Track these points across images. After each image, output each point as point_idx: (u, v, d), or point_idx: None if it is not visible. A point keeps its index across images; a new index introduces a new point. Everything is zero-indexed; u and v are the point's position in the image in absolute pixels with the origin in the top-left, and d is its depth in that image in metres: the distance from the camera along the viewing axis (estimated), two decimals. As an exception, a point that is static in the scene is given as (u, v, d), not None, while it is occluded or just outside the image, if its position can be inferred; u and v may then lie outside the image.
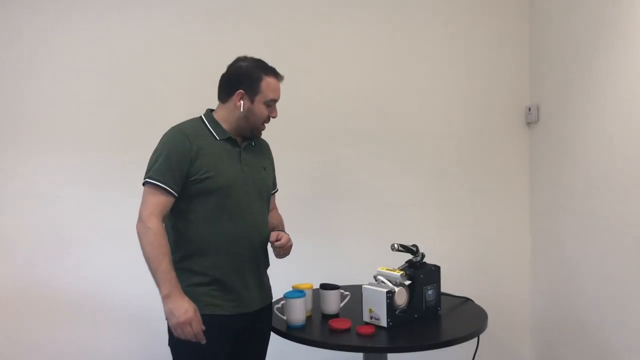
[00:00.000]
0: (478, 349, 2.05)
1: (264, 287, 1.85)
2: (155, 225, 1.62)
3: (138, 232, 1.64)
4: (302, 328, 1.85)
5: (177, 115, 2.59)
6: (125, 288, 2.58)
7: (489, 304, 2.21)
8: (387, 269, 1.94)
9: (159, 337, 2.57)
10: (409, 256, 2.02)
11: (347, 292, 2.07)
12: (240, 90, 1.76)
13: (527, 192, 2.88)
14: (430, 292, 1.98)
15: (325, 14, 2.72)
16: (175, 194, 1.68)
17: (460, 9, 2.80)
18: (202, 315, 1.64)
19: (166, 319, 1.65)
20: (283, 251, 1.81)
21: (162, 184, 1.66)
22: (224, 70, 2.60)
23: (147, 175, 1.69)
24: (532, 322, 2.88)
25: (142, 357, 2.59)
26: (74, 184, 2.56)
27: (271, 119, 1.83)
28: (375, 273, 1.95)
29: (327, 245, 2.71)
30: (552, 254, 2.69)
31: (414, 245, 2.02)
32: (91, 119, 2.57)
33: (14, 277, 2.52)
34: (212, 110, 1.85)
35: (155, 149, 1.74)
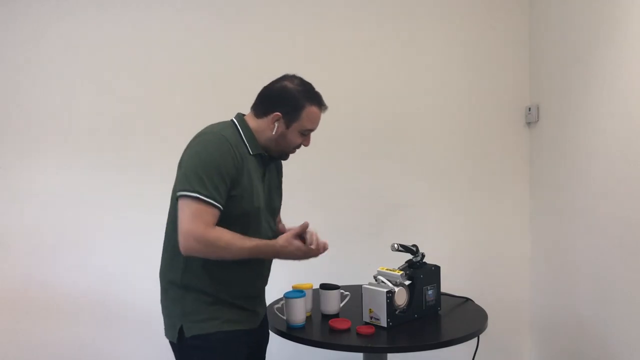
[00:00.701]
0: (478, 349, 2.05)
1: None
2: (215, 231, 1.49)
3: (198, 251, 1.49)
4: (302, 328, 1.85)
5: (177, 115, 2.61)
6: (125, 288, 2.59)
7: (489, 304, 2.21)
8: (387, 269, 1.94)
9: (159, 337, 2.58)
10: (409, 256, 2.02)
11: (347, 292, 2.07)
12: (278, 113, 1.62)
13: (527, 192, 2.88)
14: (430, 292, 1.98)
15: (326, 15, 2.72)
16: (222, 209, 1.52)
17: (461, 10, 2.80)
18: (221, 332, 1.57)
19: (296, 258, 1.63)
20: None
21: (211, 199, 1.48)
22: (224, 70, 2.64)
23: (192, 188, 1.48)
24: (532, 322, 2.88)
25: (142, 357, 2.59)
26: (74, 184, 2.56)
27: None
28: (375, 273, 1.95)
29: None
30: (552, 254, 2.69)
31: (414, 245, 2.01)
32: (91, 119, 2.57)
33: (14, 277, 2.52)
34: (243, 115, 1.69)
35: (196, 155, 1.53)
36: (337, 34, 2.72)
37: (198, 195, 1.47)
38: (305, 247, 1.61)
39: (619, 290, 2.21)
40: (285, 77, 1.68)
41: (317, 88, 2.68)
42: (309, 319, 1.94)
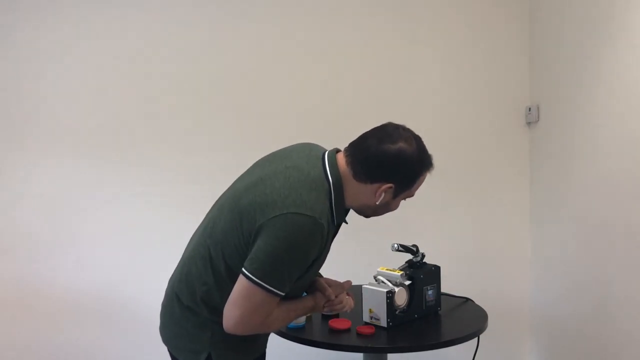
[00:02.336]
0: (478, 349, 2.05)
1: None
2: (271, 317, 1.36)
3: (241, 332, 1.36)
4: (302, 328, 1.85)
5: (178, 115, 2.61)
6: (126, 288, 2.59)
7: (489, 304, 2.20)
8: (387, 269, 1.94)
9: (159, 338, 2.58)
10: (409, 256, 2.02)
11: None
12: (391, 185, 1.37)
13: (527, 192, 2.88)
14: (430, 292, 1.98)
15: (327, 15, 2.71)
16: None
17: (461, 10, 2.80)
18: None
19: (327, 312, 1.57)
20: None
21: (283, 292, 1.33)
22: (224, 70, 2.64)
23: (269, 282, 1.30)
24: (532, 322, 2.88)
25: (142, 357, 2.59)
26: (74, 184, 2.56)
27: None
28: (375, 273, 1.95)
29: (327, 245, 2.71)
30: (552, 254, 2.69)
31: (414, 245, 2.01)
32: (91, 119, 2.57)
33: (14, 277, 2.52)
34: (338, 169, 1.39)
35: (286, 245, 1.29)
36: (337, 35, 2.72)
37: (270, 289, 1.30)
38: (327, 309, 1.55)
39: (619, 291, 2.20)
40: (399, 135, 1.37)
41: (318, 88, 2.71)
42: (309, 319, 1.94)
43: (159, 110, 2.61)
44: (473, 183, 2.84)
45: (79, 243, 2.56)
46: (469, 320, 1.99)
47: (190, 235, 1.59)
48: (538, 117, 2.77)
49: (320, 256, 1.39)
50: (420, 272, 1.96)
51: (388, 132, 1.38)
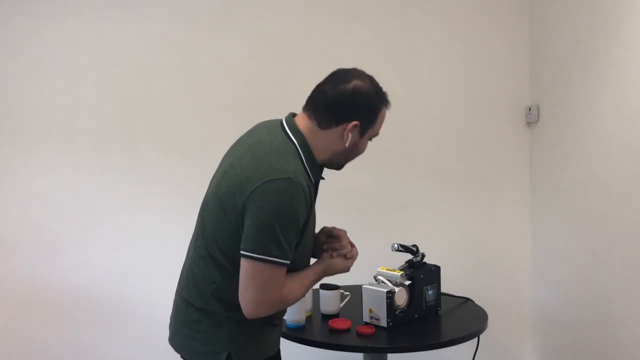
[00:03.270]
0: (478, 349, 2.05)
1: None
2: (286, 289, 1.36)
3: (269, 313, 1.38)
4: (302, 328, 1.85)
5: (179, 115, 2.61)
6: (126, 288, 2.58)
7: (489, 304, 2.20)
8: (387, 269, 1.94)
9: (159, 338, 2.58)
10: (409, 256, 2.02)
11: (347, 292, 2.07)
12: (356, 122, 1.39)
13: (527, 192, 2.88)
14: (430, 292, 1.98)
15: (327, 15, 2.71)
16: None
17: (460, 9, 2.80)
18: (270, 358, 1.49)
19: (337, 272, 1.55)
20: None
21: (286, 260, 1.33)
22: (224, 70, 2.64)
23: (270, 252, 1.30)
24: (532, 322, 2.88)
25: (143, 357, 2.59)
26: (74, 184, 2.56)
27: None
28: (375, 273, 1.95)
29: (327, 245, 2.71)
30: (552, 254, 2.69)
31: (414, 245, 2.01)
32: (91, 119, 2.57)
33: (14, 277, 2.52)
34: (299, 129, 1.41)
35: (273, 211, 1.29)
36: (337, 35, 2.72)
37: (274, 260, 1.30)
38: (344, 258, 1.54)
39: (619, 290, 2.21)
40: (352, 75, 1.41)
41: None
42: (309, 319, 1.94)
43: (160, 110, 2.61)
44: (473, 183, 2.84)
45: (80, 243, 2.56)
46: (469, 320, 1.99)
47: (191, 236, 1.59)
48: (538, 117, 2.77)
49: (310, 217, 1.40)
50: (420, 272, 1.96)
51: (340, 76, 1.41)
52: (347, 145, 1.41)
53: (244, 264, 1.32)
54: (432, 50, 2.80)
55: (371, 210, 2.76)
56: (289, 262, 1.33)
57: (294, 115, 1.47)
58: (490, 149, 2.85)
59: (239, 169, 1.36)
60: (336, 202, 2.74)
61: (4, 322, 2.52)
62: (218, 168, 1.52)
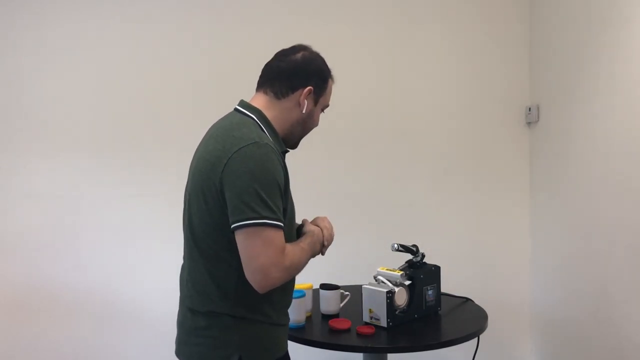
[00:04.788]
0: (478, 349, 2.05)
1: None
2: (288, 253, 1.33)
3: (280, 281, 1.33)
4: (302, 328, 1.85)
5: (178, 115, 2.61)
6: (126, 288, 2.59)
7: (489, 304, 2.20)
8: (387, 269, 1.94)
9: (160, 338, 2.58)
10: (409, 256, 2.02)
11: (347, 292, 2.07)
12: (310, 87, 1.45)
13: (527, 192, 2.88)
14: (430, 292, 1.98)
15: (327, 15, 2.72)
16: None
17: (460, 10, 2.81)
18: (280, 358, 1.45)
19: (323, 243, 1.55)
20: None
21: (279, 221, 1.31)
22: (224, 70, 2.64)
23: (259, 215, 1.27)
24: (532, 322, 2.88)
25: (143, 357, 2.59)
26: (74, 184, 2.56)
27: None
28: (375, 273, 1.95)
29: (327, 245, 2.71)
30: (552, 254, 2.69)
31: (414, 245, 2.01)
32: (92, 119, 2.57)
33: (14, 277, 2.52)
34: (251, 105, 1.44)
35: (250, 174, 1.29)
36: (337, 35, 2.72)
37: (266, 221, 1.27)
38: (323, 238, 1.54)
39: (619, 291, 2.21)
40: (297, 48, 1.50)
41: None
42: (309, 319, 1.95)
43: (159, 110, 2.61)
44: (473, 183, 2.84)
45: (79, 243, 2.56)
46: (469, 320, 1.99)
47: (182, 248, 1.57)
48: (538, 117, 2.77)
49: (288, 183, 1.40)
50: (420, 272, 1.96)
51: (286, 51, 1.50)
52: (304, 111, 1.45)
53: (238, 238, 1.30)
54: (432, 51, 2.80)
55: (371, 210, 2.76)
56: (281, 224, 1.30)
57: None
58: (490, 149, 2.85)
59: (207, 154, 1.37)
60: (336, 202, 2.74)
61: (4, 322, 2.52)
62: (188, 176, 1.50)
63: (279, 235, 1.30)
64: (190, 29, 2.63)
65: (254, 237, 1.28)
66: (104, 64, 2.58)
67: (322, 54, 2.85)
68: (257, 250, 1.28)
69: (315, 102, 1.49)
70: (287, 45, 2.71)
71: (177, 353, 1.49)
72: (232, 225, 1.29)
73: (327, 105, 1.56)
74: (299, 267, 1.38)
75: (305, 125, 1.50)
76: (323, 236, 1.54)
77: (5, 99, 2.52)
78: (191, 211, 1.42)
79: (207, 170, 1.35)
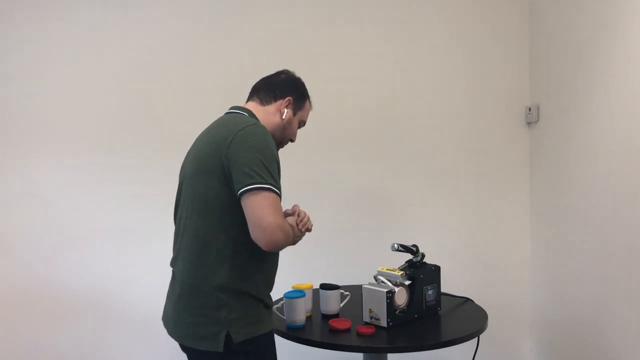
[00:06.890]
0: (478, 349, 2.05)
1: None
2: (286, 224, 1.46)
3: (282, 242, 1.43)
4: (302, 328, 1.85)
5: (178, 115, 2.61)
6: (126, 288, 2.59)
7: (489, 304, 2.21)
8: (387, 269, 1.94)
9: (160, 338, 2.58)
10: (409, 256, 2.02)
11: (347, 292, 2.07)
12: (290, 98, 1.67)
13: (527, 192, 2.88)
14: (430, 292, 1.98)
15: (327, 15, 2.72)
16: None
17: (460, 9, 2.81)
18: (264, 335, 1.52)
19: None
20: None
21: (280, 190, 1.46)
22: (224, 71, 2.65)
23: (265, 180, 1.41)
24: (532, 322, 2.88)
25: (143, 356, 2.59)
26: (74, 184, 2.56)
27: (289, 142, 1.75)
28: (375, 273, 1.94)
29: (328, 245, 2.71)
30: (552, 254, 2.69)
31: (414, 245, 2.01)
32: (91, 119, 2.58)
33: (14, 277, 2.52)
34: (242, 107, 1.64)
35: (256, 149, 1.44)
36: (337, 35, 2.72)
37: (271, 187, 1.42)
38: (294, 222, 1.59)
39: (619, 291, 2.21)
40: (283, 72, 1.73)
41: (318, 89, 2.71)
42: (309, 319, 1.95)
43: (158, 110, 2.61)
44: (473, 183, 2.84)
45: (79, 243, 2.57)
46: (469, 320, 1.99)
47: (174, 236, 1.61)
48: (538, 117, 2.77)
49: (280, 170, 1.52)
50: (420, 272, 1.96)
51: (270, 76, 1.72)
52: (283, 117, 1.65)
53: (246, 200, 1.41)
54: (433, 51, 2.80)
55: (371, 210, 2.76)
56: (280, 194, 1.44)
57: None
58: (490, 149, 2.85)
59: (210, 138, 1.51)
60: (336, 202, 2.75)
61: (4, 322, 2.52)
62: (184, 162, 1.63)
63: (280, 203, 1.45)
64: (192, 30, 2.63)
65: (263, 199, 1.40)
66: (104, 65, 2.58)
67: (323, 54, 2.89)
68: (265, 210, 1.40)
69: (294, 113, 1.68)
70: (287, 45, 2.74)
71: (173, 333, 1.55)
72: (241, 190, 1.41)
73: (304, 122, 1.74)
74: (288, 240, 1.47)
75: (284, 132, 1.68)
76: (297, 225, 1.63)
77: (5, 99, 2.52)
78: (195, 188, 1.51)
79: (211, 150, 1.48)
